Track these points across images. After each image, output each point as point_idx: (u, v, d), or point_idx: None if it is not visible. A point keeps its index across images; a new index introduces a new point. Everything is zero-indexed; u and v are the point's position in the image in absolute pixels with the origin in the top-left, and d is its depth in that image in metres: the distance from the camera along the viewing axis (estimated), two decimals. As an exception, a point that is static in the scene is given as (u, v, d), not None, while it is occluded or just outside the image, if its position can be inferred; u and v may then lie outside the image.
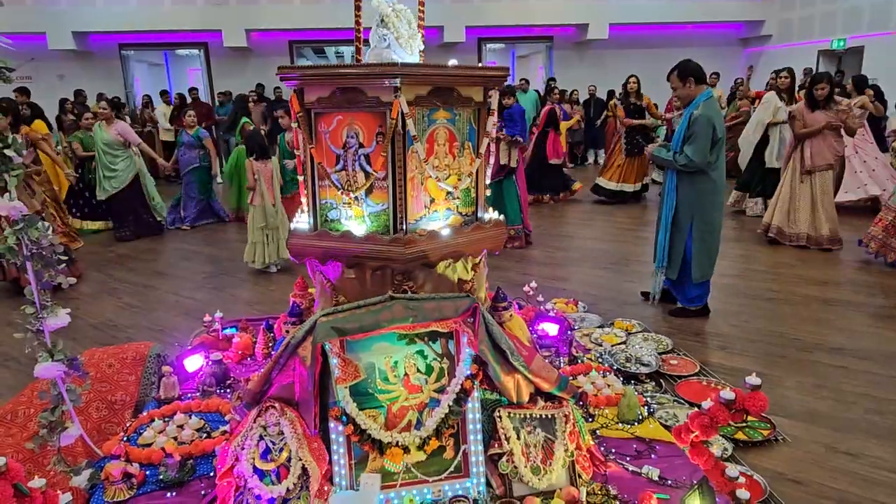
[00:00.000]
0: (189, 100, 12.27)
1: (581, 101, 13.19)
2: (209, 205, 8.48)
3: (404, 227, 2.33)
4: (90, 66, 13.84)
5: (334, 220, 2.51)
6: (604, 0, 14.72)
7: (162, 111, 12.32)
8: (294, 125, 2.54)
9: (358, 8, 2.48)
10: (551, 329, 3.69)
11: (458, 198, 2.51)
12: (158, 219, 7.92)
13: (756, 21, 15.38)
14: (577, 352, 3.71)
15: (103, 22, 13.01)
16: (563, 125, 10.28)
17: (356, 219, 2.44)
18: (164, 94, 12.83)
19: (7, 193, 2.32)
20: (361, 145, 2.38)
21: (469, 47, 14.81)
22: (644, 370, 3.60)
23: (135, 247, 7.32)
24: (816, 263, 5.88)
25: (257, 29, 13.70)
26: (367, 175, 2.38)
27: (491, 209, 2.77)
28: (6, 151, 2.31)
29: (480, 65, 2.63)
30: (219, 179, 10.04)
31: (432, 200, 2.42)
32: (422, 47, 2.57)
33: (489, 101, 2.54)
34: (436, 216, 2.45)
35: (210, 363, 3.34)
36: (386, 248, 2.29)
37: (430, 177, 2.35)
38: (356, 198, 2.43)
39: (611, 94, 13.61)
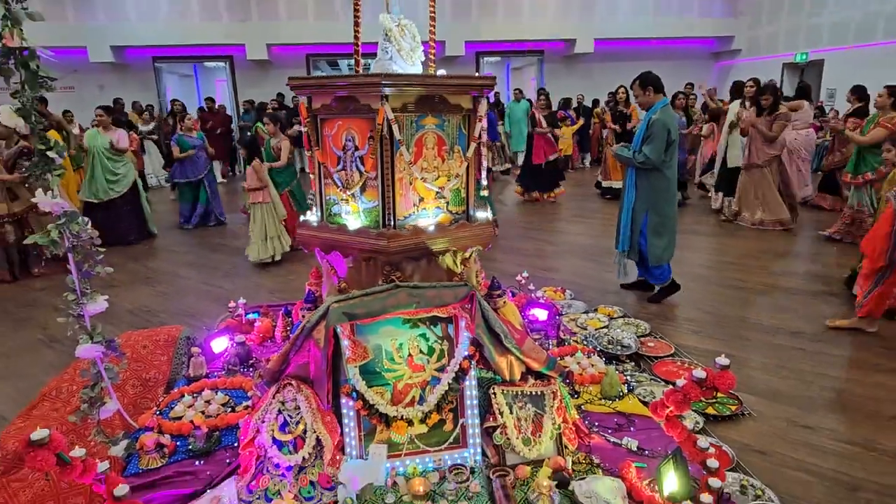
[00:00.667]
0: (206, 109, 11.93)
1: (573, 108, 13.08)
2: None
3: (393, 222, 2.32)
4: (127, 77, 13.76)
5: (336, 215, 2.52)
6: (590, 17, 14.65)
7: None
8: (304, 129, 2.54)
9: (357, 24, 2.45)
10: (541, 314, 3.68)
11: (445, 197, 2.45)
12: (152, 228, 7.36)
13: (727, 37, 15.31)
14: (564, 335, 3.70)
15: (138, 37, 12.94)
16: (568, 130, 10.19)
17: (353, 214, 2.44)
18: (174, 101, 11.97)
19: (50, 192, 2.31)
20: (357, 148, 2.37)
21: (468, 60, 14.73)
22: (624, 352, 3.59)
23: (167, 240, 7.30)
24: (779, 256, 5.87)
25: (277, 43, 13.62)
26: (361, 174, 2.38)
27: (487, 209, 2.70)
28: (49, 153, 2.30)
29: (474, 74, 2.55)
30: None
31: (421, 199, 2.38)
32: (422, 58, 2.53)
33: (479, 108, 2.47)
34: (425, 213, 2.40)
35: (234, 345, 3.35)
36: (373, 241, 2.29)
37: (417, 178, 2.33)
38: (352, 195, 2.43)
39: (595, 102, 13.57)
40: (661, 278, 4.61)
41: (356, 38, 2.46)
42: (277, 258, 5.84)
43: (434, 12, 2.66)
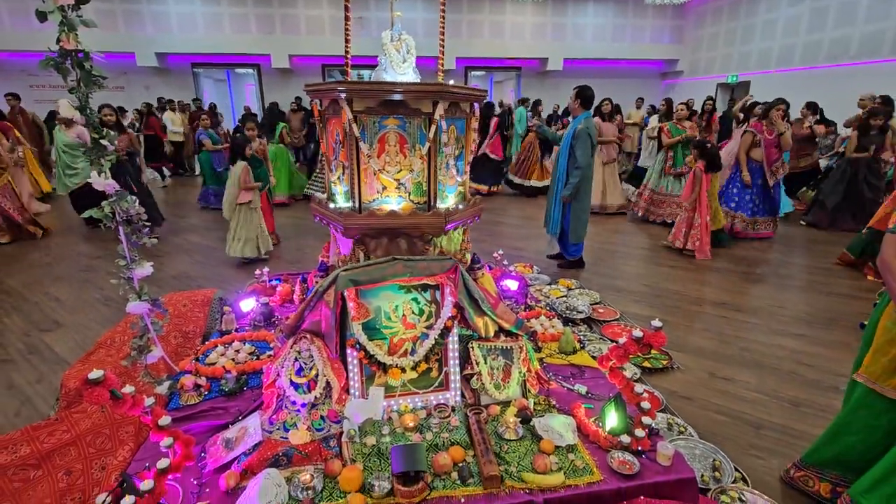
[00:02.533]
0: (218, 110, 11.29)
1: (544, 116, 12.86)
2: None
3: (358, 205, 2.33)
4: (169, 79, 13.36)
5: (335, 195, 2.53)
6: (560, 40, 14.47)
7: (169, 117, 10.90)
8: (319, 124, 2.52)
9: (347, 41, 2.39)
10: (512, 285, 3.69)
11: (407, 188, 2.37)
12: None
13: (672, 59, 15.20)
14: (531, 302, 3.72)
15: (179, 45, 12.53)
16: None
17: (340, 195, 2.46)
18: (170, 102, 11.46)
19: (104, 173, 2.25)
20: (340, 142, 2.38)
21: (458, 73, 14.50)
22: (579, 316, 3.63)
23: (202, 219, 7.19)
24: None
25: (298, 54, 13.27)
26: (340, 163, 2.40)
27: (451, 199, 2.53)
28: (102, 142, 2.24)
29: (438, 81, 2.44)
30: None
31: (384, 188, 2.35)
32: (412, 67, 2.44)
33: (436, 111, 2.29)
34: (388, 200, 2.36)
35: (259, 305, 3.32)
36: (342, 219, 2.32)
37: (375, 169, 2.29)
38: (339, 178, 2.45)
39: (566, 112, 13.44)
40: (575, 254, 4.88)
41: (346, 50, 2.41)
42: (264, 256, 5.06)
43: (444, 33, 2.63)
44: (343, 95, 2.14)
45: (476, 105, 2.57)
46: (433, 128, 2.23)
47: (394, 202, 2.36)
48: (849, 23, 10.28)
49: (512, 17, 14.16)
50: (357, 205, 2.33)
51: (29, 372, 3.04)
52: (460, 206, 2.50)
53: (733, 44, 13.37)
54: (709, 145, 5.48)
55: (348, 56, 2.40)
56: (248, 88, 15.92)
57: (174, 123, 10.96)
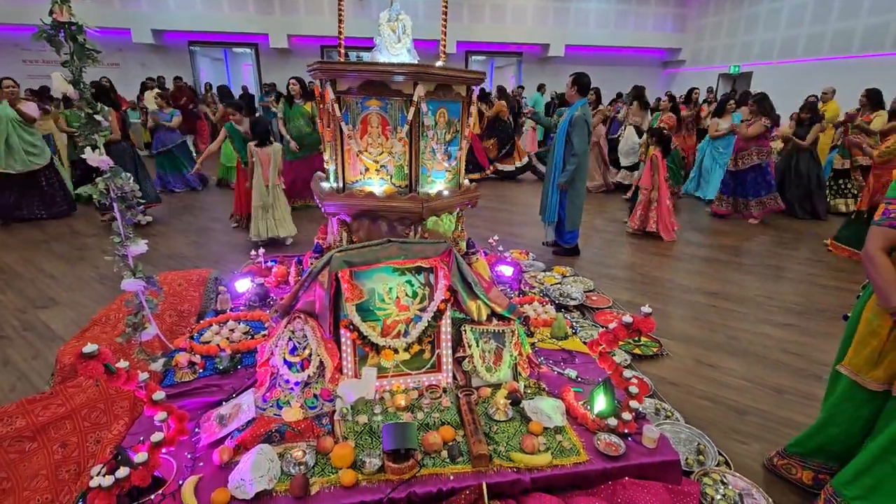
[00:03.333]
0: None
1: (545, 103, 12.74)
2: (183, 175, 7.56)
3: (342, 185, 2.36)
4: (165, 57, 13.14)
5: (328, 174, 2.56)
6: (562, 26, 14.29)
7: (150, 96, 9.72)
8: (320, 105, 2.52)
9: (340, 21, 2.39)
10: (507, 270, 3.72)
11: (385, 169, 2.35)
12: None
13: (675, 49, 15.06)
14: (525, 288, 3.74)
15: (176, 22, 12.30)
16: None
17: (331, 175, 2.51)
18: (150, 79, 10.67)
19: (98, 150, 2.24)
20: (328, 123, 2.41)
21: (459, 57, 14.33)
22: (572, 302, 3.65)
23: (195, 199, 7.16)
24: (701, 231, 5.96)
25: (297, 35, 13.07)
26: (328, 143, 2.45)
27: (440, 185, 2.49)
28: (96, 117, 2.22)
29: (417, 62, 2.36)
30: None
31: (367, 169, 2.35)
32: (407, 48, 2.41)
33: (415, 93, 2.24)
34: (370, 182, 2.36)
35: (255, 286, 3.33)
36: (326, 197, 2.36)
37: (355, 150, 2.29)
38: (329, 158, 2.48)
39: (562, 100, 13.34)
40: (571, 241, 4.89)
41: (339, 32, 2.38)
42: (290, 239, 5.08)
43: (446, 14, 2.59)
44: (319, 76, 2.15)
45: (475, 88, 2.50)
46: (412, 109, 2.19)
47: (376, 184, 2.36)
48: (853, 15, 10.19)
49: (513, 0, 13.95)
50: (341, 185, 2.36)
51: (24, 348, 3.06)
52: (445, 192, 2.45)
53: (736, 34, 13.25)
54: (665, 131, 5.77)
55: (342, 37, 2.38)
56: (245, 68, 15.71)
57: (151, 103, 10.02)
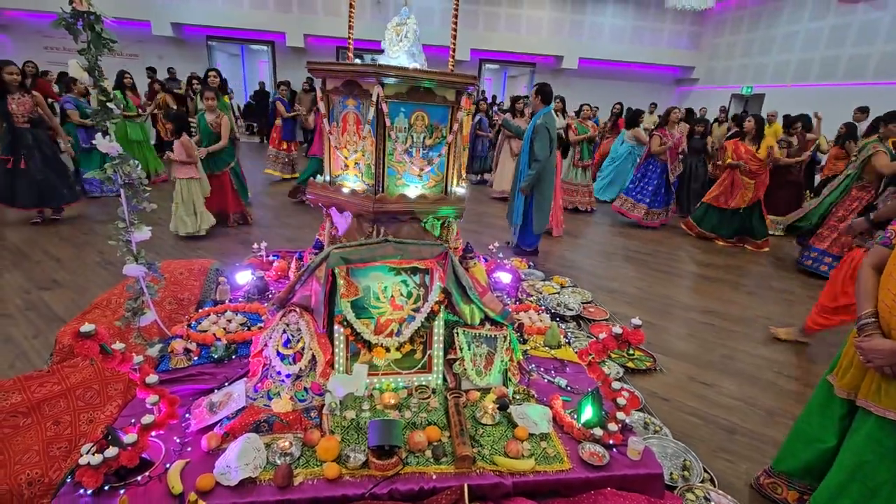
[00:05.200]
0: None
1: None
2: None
3: (329, 177, 2.47)
4: (183, 50, 13.33)
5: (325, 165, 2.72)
6: (576, 38, 14.36)
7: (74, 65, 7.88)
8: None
9: (350, 28, 2.50)
10: (505, 277, 3.73)
11: (358, 167, 2.42)
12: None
13: (688, 66, 15.07)
14: (521, 295, 3.76)
15: (195, 16, 12.49)
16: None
17: (326, 166, 2.65)
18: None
19: (108, 136, 2.29)
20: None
21: (472, 65, 14.42)
22: (569, 313, 3.66)
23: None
24: (706, 253, 5.95)
25: (313, 35, 13.22)
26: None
27: (416, 189, 2.50)
28: (109, 104, 2.27)
29: (377, 63, 2.36)
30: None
31: (346, 166, 2.45)
32: (405, 51, 2.45)
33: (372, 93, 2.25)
34: (347, 177, 2.49)
35: (255, 279, 3.36)
36: (311, 186, 2.53)
37: (334, 146, 2.42)
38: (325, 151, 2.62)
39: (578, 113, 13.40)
40: (531, 244, 5.06)
41: (349, 34, 2.45)
42: (202, 233, 4.98)
43: (456, 22, 2.63)
44: (315, 74, 2.30)
45: (469, 90, 2.48)
46: (371, 109, 2.22)
47: (350, 180, 2.46)
48: (868, 41, 10.18)
49: (529, 11, 14.04)
50: (328, 178, 2.48)
51: (26, 327, 3.11)
52: (413, 196, 2.43)
53: (751, 54, 13.26)
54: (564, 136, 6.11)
55: (351, 38, 2.43)
56: (261, 65, 15.90)
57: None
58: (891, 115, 4.74)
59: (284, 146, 8.10)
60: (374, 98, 2.18)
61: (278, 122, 8.06)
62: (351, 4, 2.40)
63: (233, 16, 12.67)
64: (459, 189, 2.68)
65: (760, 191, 5.87)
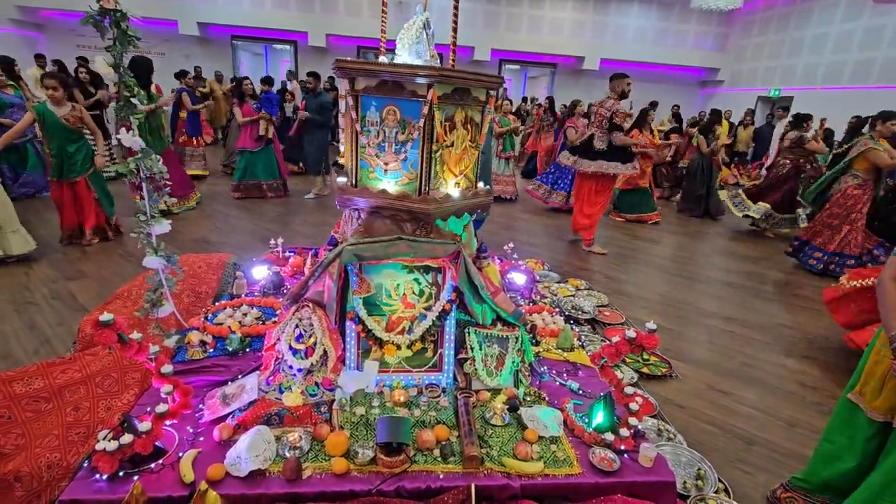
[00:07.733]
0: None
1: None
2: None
3: (355, 181, 2.34)
4: (209, 49, 13.63)
5: None
6: (598, 39, 14.20)
7: (32, 74, 7.46)
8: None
9: (384, 21, 2.44)
10: (519, 278, 3.71)
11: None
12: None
13: (713, 68, 14.78)
14: (536, 297, 3.73)
15: (221, 16, 12.77)
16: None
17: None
18: (37, 57, 8.11)
19: (132, 131, 2.35)
20: None
21: (493, 65, 14.38)
22: (583, 316, 3.62)
23: (225, 188, 7.35)
24: (726, 255, 5.82)
25: (334, 34, 13.38)
26: None
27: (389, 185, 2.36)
28: (132, 100, 2.33)
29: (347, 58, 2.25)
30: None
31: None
32: (411, 49, 2.46)
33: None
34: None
35: (271, 274, 3.41)
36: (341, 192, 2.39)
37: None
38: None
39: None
40: None
41: (382, 31, 2.43)
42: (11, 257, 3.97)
43: (457, 20, 2.61)
44: (338, 75, 2.22)
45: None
46: (341, 102, 2.20)
47: (343, 170, 2.48)
48: (905, 43, 9.84)
49: (552, 12, 13.95)
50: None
51: (51, 315, 3.22)
52: (388, 191, 2.29)
53: (779, 56, 12.92)
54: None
55: (383, 39, 2.43)
56: (283, 64, 16.13)
57: (36, 83, 7.16)
58: (884, 114, 4.74)
59: (194, 142, 7.71)
60: (342, 91, 2.15)
61: (183, 115, 7.54)
62: (384, 5, 2.40)
63: (257, 16, 12.92)
64: (445, 190, 2.38)
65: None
